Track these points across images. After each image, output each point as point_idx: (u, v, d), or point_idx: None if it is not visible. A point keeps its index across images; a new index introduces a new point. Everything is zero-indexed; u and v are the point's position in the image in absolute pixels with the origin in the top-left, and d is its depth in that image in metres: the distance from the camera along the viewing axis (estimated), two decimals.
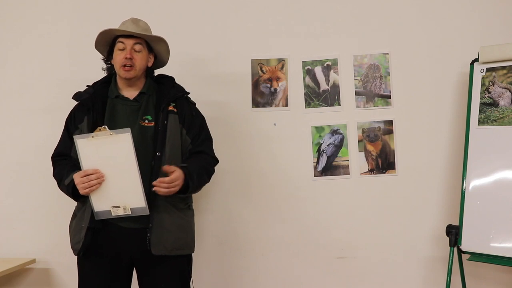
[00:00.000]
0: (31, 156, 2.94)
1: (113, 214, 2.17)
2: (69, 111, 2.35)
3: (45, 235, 2.94)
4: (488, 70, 2.57)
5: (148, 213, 2.15)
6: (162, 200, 2.19)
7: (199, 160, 2.32)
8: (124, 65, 2.23)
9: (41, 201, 2.92)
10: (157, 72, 2.45)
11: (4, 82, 2.99)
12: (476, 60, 2.61)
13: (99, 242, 2.20)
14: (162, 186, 2.12)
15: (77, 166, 2.19)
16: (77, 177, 2.13)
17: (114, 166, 2.13)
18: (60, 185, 2.26)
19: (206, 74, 2.89)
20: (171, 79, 2.41)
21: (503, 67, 2.53)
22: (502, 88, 2.52)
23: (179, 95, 2.34)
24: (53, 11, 2.97)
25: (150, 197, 2.16)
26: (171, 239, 2.21)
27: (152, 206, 2.17)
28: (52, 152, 2.34)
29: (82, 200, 2.22)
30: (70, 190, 2.18)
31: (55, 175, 2.30)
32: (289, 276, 2.89)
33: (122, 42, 2.26)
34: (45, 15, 2.97)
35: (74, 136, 2.13)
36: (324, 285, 2.88)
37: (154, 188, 2.13)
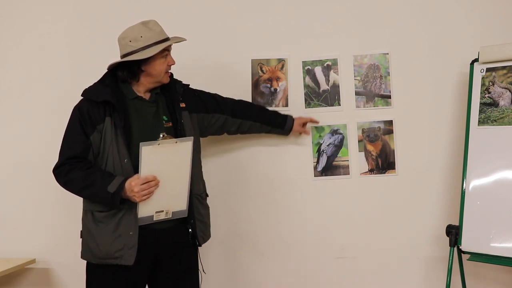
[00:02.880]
0: (32, 156, 2.94)
1: (154, 219, 2.17)
2: (75, 110, 2.21)
3: (45, 235, 2.94)
4: (488, 70, 2.56)
5: (186, 215, 2.25)
6: (195, 195, 2.30)
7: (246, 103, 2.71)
8: (167, 71, 2.26)
9: (41, 201, 2.92)
10: None
11: (4, 82, 2.99)
12: (476, 60, 2.61)
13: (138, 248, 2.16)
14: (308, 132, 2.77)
15: (106, 171, 2.13)
16: (137, 185, 2.05)
17: (169, 172, 2.14)
18: (87, 190, 2.13)
19: (206, 74, 2.89)
20: (171, 75, 2.39)
21: (503, 67, 2.53)
22: (502, 88, 2.52)
23: (183, 90, 2.36)
24: (53, 11, 2.96)
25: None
26: (205, 229, 2.39)
27: (189, 204, 2.25)
28: (58, 153, 2.19)
29: (122, 206, 2.12)
30: (118, 197, 2.07)
31: (70, 180, 2.14)
32: (289, 276, 2.89)
33: (168, 50, 2.25)
34: (45, 15, 2.97)
35: (141, 143, 2.04)
36: (324, 285, 2.88)
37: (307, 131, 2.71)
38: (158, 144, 2.08)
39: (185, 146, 2.15)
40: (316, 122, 2.79)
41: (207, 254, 2.87)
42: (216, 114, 2.53)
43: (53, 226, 2.93)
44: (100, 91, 2.17)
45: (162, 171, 2.12)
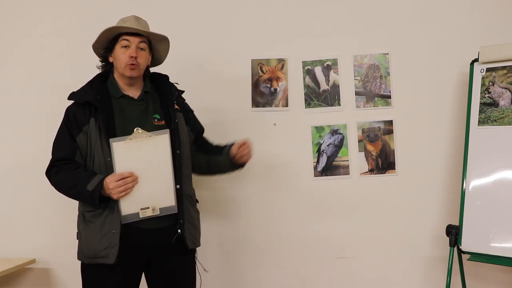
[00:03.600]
0: (32, 156, 2.94)
1: (140, 216, 2.13)
2: (64, 113, 2.25)
3: (45, 235, 2.94)
4: (488, 70, 2.57)
5: (176, 211, 2.18)
6: (186, 196, 2.24)
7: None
8: (130, 64, 2.19)
9: (41, 201, 2.92)
10: (152, 69, 2.42)
11: (4, 83, 2.99)
12: (476, 60, 2.61)
13: (121, 247, 2.13)
14: (246, 150, 2.29)
15: (90, 171, 2.15)
16: (111, 182, 2.06)
17: (148, 167, 2.11)
18: (72, 191, 2.17)
19: (206, 74, 2.89)
20: (167, 77, 2.39)
21: (503, 67, 2.53)
22: (502, 88, 2.52)
23: (178, 94, 2.35)
24: (53, 11, 2.96)
25: (177, 194, 2.19)
26: (196, 233, 2.30)
27: (179, 201, 2.20)
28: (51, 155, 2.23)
29: (104, 205, 2.13)
30: (97, 196, 2.08)
31: (58, 181, 2.20)
32: (289, 276, 2.89)
33: (127, 40, 2.20)
34: (45, 15, 2.97)
35: (111, 140, 2.06)
36: (324, 285, 2.88)
37: (240, 154, 2.28)
38: (130, 139, 2.06)
39: (161, 139, 2.11)
40: (246, 143, 2.33)
41: (207, 253, 2.87)
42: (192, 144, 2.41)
43: (53, 226, 2.93)
44: (84, 93, 2.21)
45: (140, 167, 2.09)
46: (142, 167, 2.10)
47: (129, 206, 2.11)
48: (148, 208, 2.13)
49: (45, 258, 2.95)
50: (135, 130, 2.11)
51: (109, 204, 2.12)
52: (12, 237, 2.96)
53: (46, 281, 2.97)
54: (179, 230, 2.20)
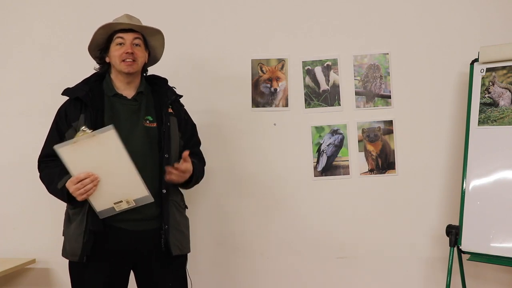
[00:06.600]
0: (31, 156, 2.92)
1: (117, 210, 2.12)
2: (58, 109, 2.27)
3: (45, 235, 2.94)
4: (488, 70, 2.57)
5: (152, 200, 2.13)
6: (172, 201, 2.21)
7: (200, 161, 2.38)
8: (125, 60, 2.18)
9: (41, 201, 2.91)
10: (151, 71, 2.41)
11: (4, 82, 2.98)
12: (476, 60, 2.61)
13: (104, 246, 2.13)
14: (174, 172, 2.15)
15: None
16: (71, 186, 2.06)
17: (105, 164, 2.08)
18: (50, 188, 2.19)
19: (206, 74, 2.89)
20: (165, 80, 2.38)
21: (503, 67, 2.53)
22: (502, 88, 2.52)
23: (174, 98, 2.33)
24: (53, 11, 2.96)
25: (162, 198, 2.16)
26: (182, 239, 2.25)
27: (164, 206, 2.17)
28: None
29: (79, 204, 2.13)
30: (65, 194, 2.10)
31: (43, 177, 2.23)
32: (289, 276, 2.89)
33: (121, 38, 2.21)
34: (45, 15, 2.97)
35: (54, 146, 2.04)
36: (324, 285, 2.88)
37: (167, 177, 2.14)
38: (74, 142, 2.03)
39: (107, 136, 2.04)
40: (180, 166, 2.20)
41: (206, 255, 2.87)
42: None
43: (53, 226, 2.92)
44: (76, 89, 2.22)
45: (96, 165, 2.07)
46: (98, 165, 2.08)
47: (101, 203, 2.11)
48: (121, 201, 2.12)
49: (45, 258, 2.95)
50: (80, 129, 2.07)
51: (86, 202, 2.12)
52: (12, 237, 2.96)
53: (46, 281, 2.97)
54: (163, 235, 2.16)
